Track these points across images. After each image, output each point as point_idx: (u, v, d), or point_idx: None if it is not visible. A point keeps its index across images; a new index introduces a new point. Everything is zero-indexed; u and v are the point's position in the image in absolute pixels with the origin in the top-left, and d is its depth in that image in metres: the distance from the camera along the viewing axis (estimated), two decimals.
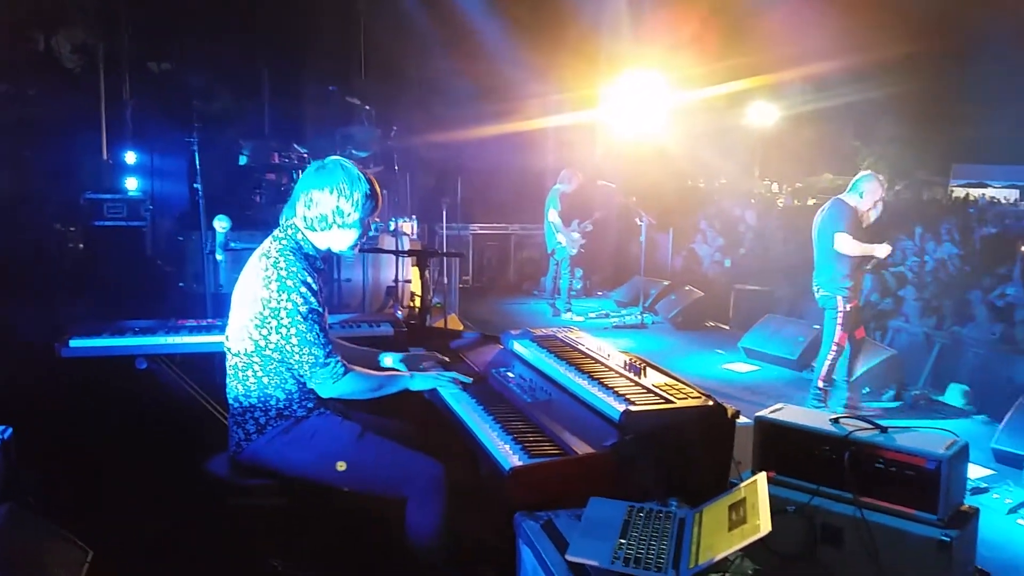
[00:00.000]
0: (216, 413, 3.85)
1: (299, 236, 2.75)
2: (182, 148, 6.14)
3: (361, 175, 2.75)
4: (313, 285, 2.66)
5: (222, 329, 3.69)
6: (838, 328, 5.57)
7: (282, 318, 2.61)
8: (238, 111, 7.51)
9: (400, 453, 2.73)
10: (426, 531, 2.64)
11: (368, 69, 9.90)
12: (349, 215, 2.71)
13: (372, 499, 2.76)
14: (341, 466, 2.61)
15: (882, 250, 5.57)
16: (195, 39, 8.39)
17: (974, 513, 2.75)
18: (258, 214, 6.65)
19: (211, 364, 4.08)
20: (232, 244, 4.52)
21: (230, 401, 2.79)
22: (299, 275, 2.63)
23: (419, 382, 2.97)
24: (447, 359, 3.33)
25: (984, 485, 4.52)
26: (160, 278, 7.16)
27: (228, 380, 2.79)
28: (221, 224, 4.37)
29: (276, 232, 2.80)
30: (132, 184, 8.87)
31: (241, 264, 5.51)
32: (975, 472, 4.63)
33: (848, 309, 5.57)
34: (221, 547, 2.99)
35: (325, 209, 2.69)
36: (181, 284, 6.44)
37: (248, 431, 2.72)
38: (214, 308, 5.09)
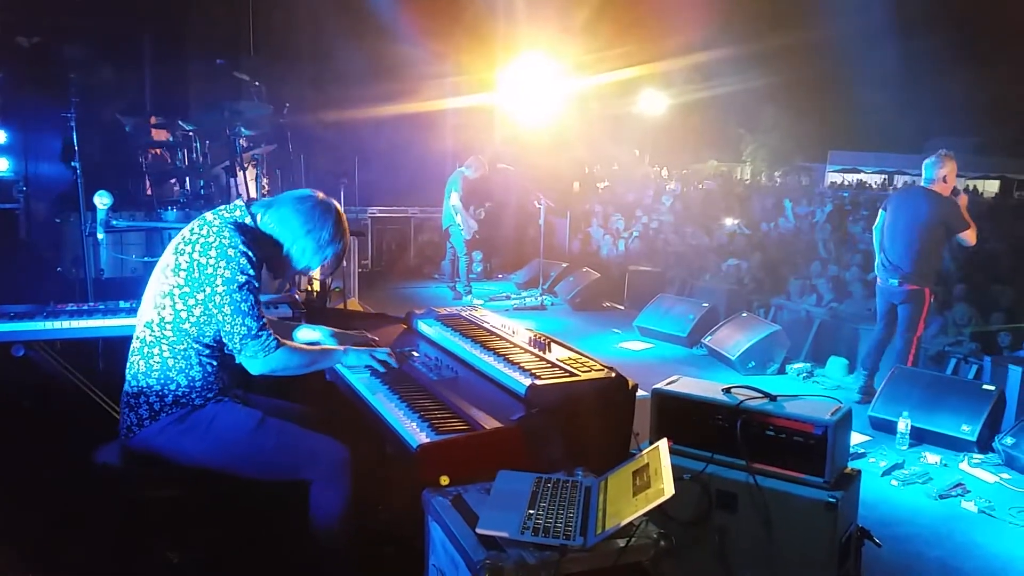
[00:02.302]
0: (101, 402, 3.65)
1: (247, 219, 2.68)
2: (59, 125, 5.76)
3: (345, 232, 2.75)
4: (253, 258, 2.58)
5: (104, 313, 3.55)
6: (921, 322, 5.57)
7: (217, 285, 2.51)
8: (118, 85, 7.07)
9: (303, 437, 2.66)
10: (331, 514, 2.59)
11: (257, 45, 9.54)
12: (309, 260, 2.72)
13: (275, 485, 2.68)
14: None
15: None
16: (71, 8, 7.84)
17: (856, 475, 2.93)
18: (141, 193, 6.33)
19: (94, 350, 3.87)
20: (114, 223, 4.26)
21: (128, 379, 2.65)
22: (240, 246, 2.55)
23: (352, 358, 2.91)
24: (376, 339, 3.25)
25: (862, 450, 4.82)
26: (36, 263, 6.71)
27: (130, 356, 2.66)
28: (102, 201, 4.11)
29: (220, 209, 2.71)
30: (3, 165, 8.28)
31: (124, 246, 5.26)
32: (854, 439, 4.93)
33: (932, 299, 5.62)
34: (113, 540, 2.85)
35: (291, 241, 2.68)
36: (59, 269, 6.06)
37: (140, 416, 2.59)
38: (96, 294, 4.82)
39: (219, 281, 2.52)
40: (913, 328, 5.61)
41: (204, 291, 2.53)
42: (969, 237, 5.50)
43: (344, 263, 7.94)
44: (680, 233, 11.64)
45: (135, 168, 6.45)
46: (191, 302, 2.54)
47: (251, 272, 2.56)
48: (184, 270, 2.55)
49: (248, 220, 2.68)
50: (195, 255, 2.54)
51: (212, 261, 2.52)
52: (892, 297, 5.70)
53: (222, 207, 2.74)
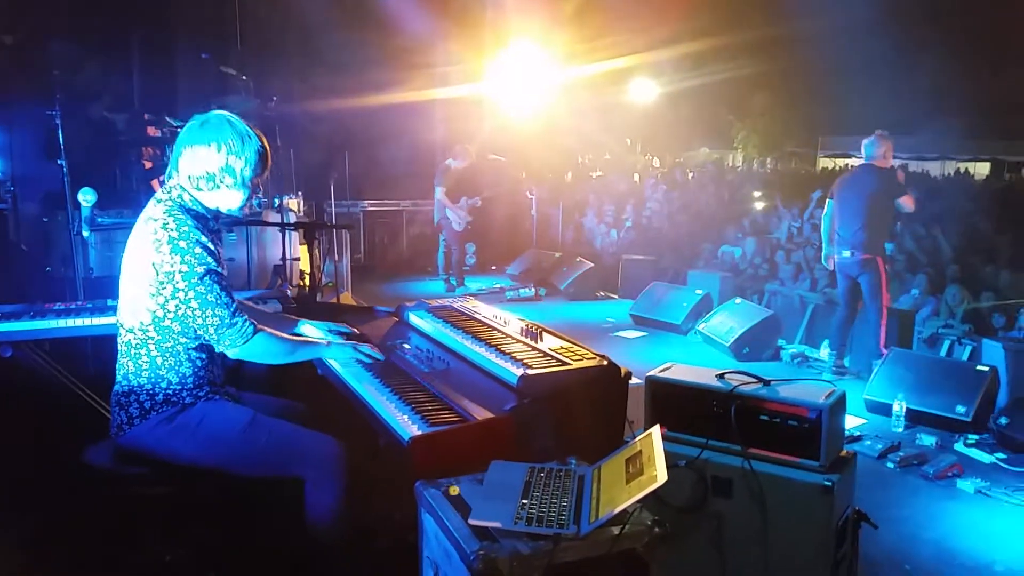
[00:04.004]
0: (91, 401, 3.63)
1: (185, 196, 2.58)
2: (45, 123, 5.71)
3: (250, 131, 2.60)
4: (208, 245, 2.51)
5: (92, 312, 3.53)
6: (884, 290, 5.82)
7: (178, 282, 2.46)
8: (105, 81, 7.00)
9: (295, 434, 2.64)
10: (326, 511, 2.57)
11: (244, 37, 9.46)
12: (239, 174, 2.56)
13: (268, 482, 2.66)
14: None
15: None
16: (54, 4, 7.78)
17: (852, 458, 2.91)
18: (128, 190, 6.28)
19: (83, 349, 3.83)
20: (99, 220, 4.22)
21: (118, 379, 2.63)
22: (191, 234, 2.48)
23: (335, 351, 2.88)
24: (360, 333, 3.22)
25: (858, 434, 4.82)
26: (25, 263, 6.66)
27: (119, 358, 2.62)
28: (86, 198, 4.08)
29: (158, 195, 2.62)
30: None
31: (112, 244, 5.23)
32: (849, 422, 4.94)
33: (888, 270, 5.89)
34: (106, 540, 2.84)
35: (212, 167, 2.53)
36: (48, 269, 6.01)
37: (131, 414, 2.57)
38: (86, 292, 4.78)
39: (179, 277, 2.46)
40: (878, 295, 5.83)
41: (167, 290, 2.47)
42: (907, 203, 5.89)
43: (335, 256, 7.94)
44: (673, 221, 11.62)
45: (123, 165, 6.40)
46: (161, 300, 2.49)
47: (208, 261, 2.49)
48: (145, 272, 2.48)
49: (187, 196, 2.57)
50: (149, 255, 2.47)
51: (167, 258, 2.45)
52: (849, 270, 5.95)
53: (158, 192, 2.63)
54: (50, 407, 3.65)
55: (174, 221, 2.49)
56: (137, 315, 2.53)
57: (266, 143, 2.66)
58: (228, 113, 2.64)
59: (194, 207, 2.59)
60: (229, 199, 2.61)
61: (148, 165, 6.54)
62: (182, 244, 2.46)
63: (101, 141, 6.35)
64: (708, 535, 2.84)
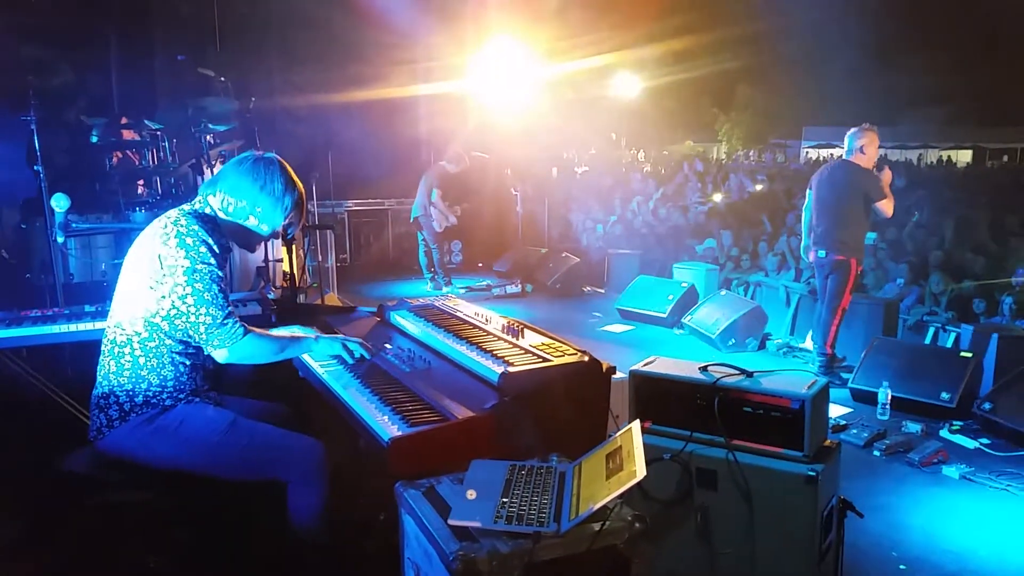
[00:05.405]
0: (70, 407, 3.59)
1: (207, 210, 2.66)
2: (21, 130, 5.64)
3: (295, 180, 2.72)
4: (215, 248, 2.55)
5: (69, 318, 3.50)
6: (847, 291, 5.65)
7: (178, 276, 2.48)
8: (81, 85, 6.91)
9: (277, 437, 2.63)
10: (309, 512, 2.56)
11: (223, 39, 9.38)
12: (273, 217, 2.69)
13: (251, 486, 2.64)
14: None
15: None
16: (28, 8, 7.68)
17: (836, 447, 2.91)
18: (107, 195, 6.21)
19: (61, 356, 3.79)
20: (75, 225, 4.18)
21: (98, 380, 2.61)
22: (200, 235, 2.53)
23: (323, 345, 2.90)
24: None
25: (844, 423, 4.83)
26: (5, 271, 6.60)
27: (101, 358, 2.61)
28: (58, 204, 4.05)
29: (183, 205, 2.69)
30: None
31: (92, 249, 5.17)
32: (835, 411, 4.95)
33: (859, 271, 5.72)
34: (87, 548, 2.80)
35: (250, 204, 2.65)
36: (28, 275, 5.95)
37: (110, 417, 2.55)
38: (66, 299, 4.73)
39: (180, 271, 2.49)
40: (837, 297, 5.68)
41: (167, 283, 2.49)
42: (885, 207, 5.62)
43: (318, 256, 7.89)
44: (658, 216, 11.63)
45: (102, 170, 6.34)
46: (158, 295, 2.51)
47: (211, 261, 2.53)
48: (149, 264, 2.51)
49: (208, 210, 2.66)
50: (156, 248, 2.51)
51: (173, 252, 2.49)
52: (823, 269, 5.81)
53: (184, 203, 2.71)
54: (28, 414, 3.62)
55: (186, 220, 2.55)
56: (131, 309, 2.55)
57: (303, 192, 2.76)
58: (280, 159, 2.75)
59: (212, 216, 2.65)
60: (252, 225, 2.72)
61: (120, 155, 6.46)
62: (189, 241, 2.51)
63: (79, 145, 6.27)
64: (693, 527, 2.84)
